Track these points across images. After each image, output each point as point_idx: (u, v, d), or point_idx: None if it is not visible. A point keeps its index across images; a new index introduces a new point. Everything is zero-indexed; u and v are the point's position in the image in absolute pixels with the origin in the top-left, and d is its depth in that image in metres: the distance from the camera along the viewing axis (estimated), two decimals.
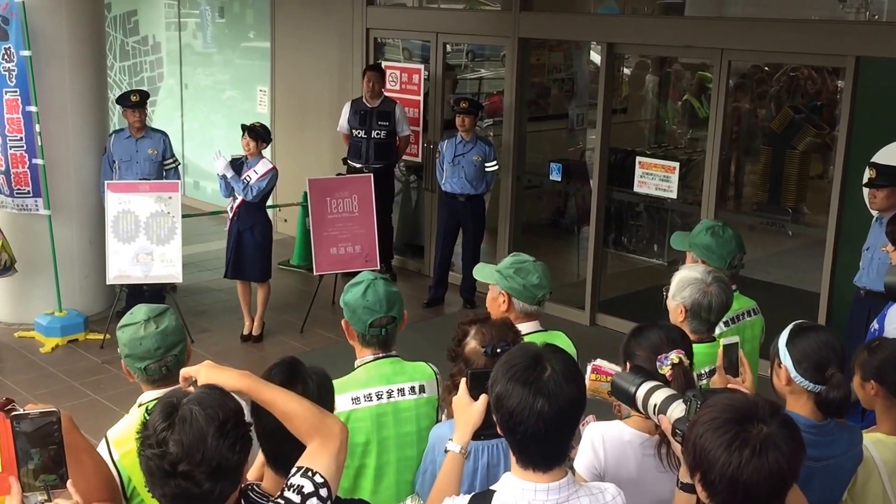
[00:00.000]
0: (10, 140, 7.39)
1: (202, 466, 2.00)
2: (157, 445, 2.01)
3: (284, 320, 8.16)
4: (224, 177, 7.45)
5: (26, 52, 7.20)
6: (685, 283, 3.55)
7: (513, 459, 2.28)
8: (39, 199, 7.52)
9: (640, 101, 10.14)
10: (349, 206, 8.00)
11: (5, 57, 7.24)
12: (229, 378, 2.23)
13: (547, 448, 2.23)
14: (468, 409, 2.56)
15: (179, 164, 8.49)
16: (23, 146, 7.39)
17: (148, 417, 2.08)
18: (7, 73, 7.26)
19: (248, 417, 2.25)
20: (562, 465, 2.27)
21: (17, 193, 7.51)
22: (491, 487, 2.31)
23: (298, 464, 2.23)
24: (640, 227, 9.48)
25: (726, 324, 3.93)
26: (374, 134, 8.87)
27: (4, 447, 1.81)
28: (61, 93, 7.64)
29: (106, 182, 7.66)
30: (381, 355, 3.24)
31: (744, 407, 2.02)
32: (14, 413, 1.83)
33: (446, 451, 2.60)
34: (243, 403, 2.32)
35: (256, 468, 2.54)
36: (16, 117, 7.33)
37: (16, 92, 7.29)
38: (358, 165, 8.89)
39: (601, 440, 2.78)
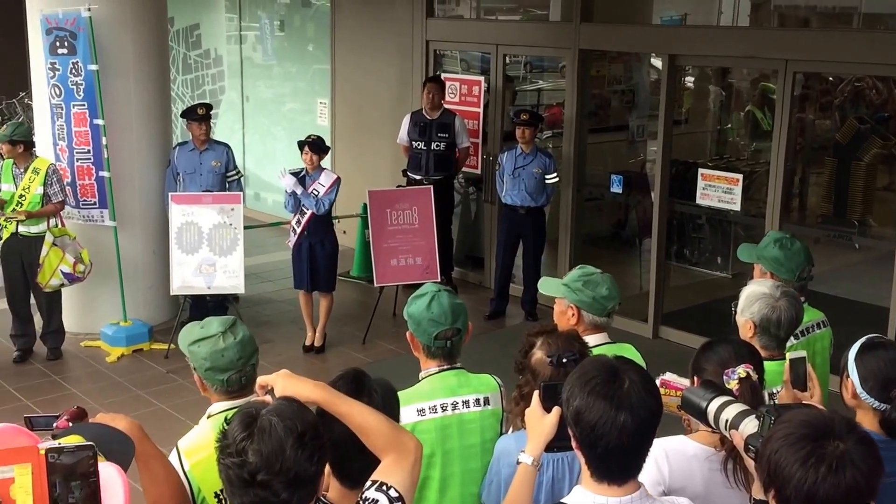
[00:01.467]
0: (77, 153, 7.56)
1: (280, 476, 2.02)
2: (236, 455, 2.03)
3: (345, 331, 8.21)
4: (294, 193, 7.48)
5: (93, 66, 7.35)
6: (754, 298, 3.50)
7: (586, 472, 2.25)
8: (105, 211, 7.66)
9: (701, 113, 10.03)
10: (409, 218, 8.02)
11: (73, 71, 7.40)
12: (305, 388, 2.25)
13: (625, 461, 2.22)
14: (541, 422, 2.53)
15: (242, 175, 8.59)
16: (90, 158, 7.55)
17: (227, 427, 2.10)
18: (75, 86, 7.42)
19: None
20: (636, 477, 2.25)
21: (82, 205, 7.67)
22: (562, 500, 2.29)
23: (373, 477, 2.24)
24: (702, 240, 9.37)
25: (795, 336, 3.85)
26: (433, 146, 8.90)
27: (37, 483, 1.77)
28: (127, 106, 7.79)
29: (170, 194, 7.78)
30: (445, 367, 3.23)
31: (819, 423, 1.98)
32: (49, 447, 1.80)
33: (518, 463, 2.58)
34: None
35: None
36: (83, 130, 7.49)
37: (83, 105, 7.44)
38: (417, 177, 8.92)
39: (664, 456, 2.74)
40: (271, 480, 2.02)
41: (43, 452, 1.77)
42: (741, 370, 2.72)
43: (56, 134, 7.61)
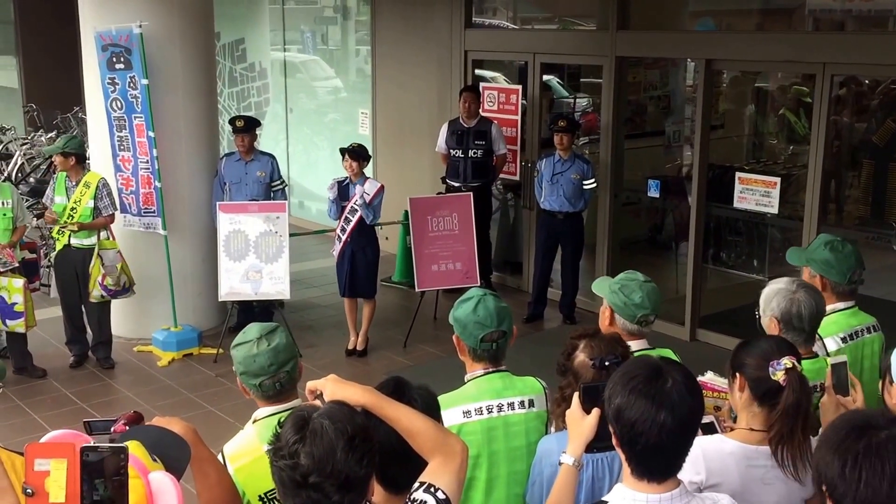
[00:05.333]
0: (140, 162, 7.76)
1: (332, 479, 2.05)
2: (289, 457, 2.06)
3: (388, 335, 8.35)
4: (336, 201, 7.62)
5: (145, 81, 7.54)
6: (771, 296, 3.51)
7: (627, 470, 2.28)
8: (159, 219, 7.86)
9: (737, 117, 10.06)
10: (449, 224, 8.16)
11: (131, 85, 7.59)
12: (354, 393, 2.30)
13: (665, 459, 2.24)
14: (581, 423, 2.56)
15: (287, 185, 8.77)
16: (149, 168, 7.74)
17: (279, 430, 2.13)
18: (134, 99, 7.61)
19: None
20: (676, 475, 2.28)
21: (144, 212, 7.88)
22: (603, 498, 2.33)
23: (421, 479, 2.27)
24: (738, 243, 9.41)
25: (844, 340, 3.86)
26: (471, 153, 9.03)
27: (71, 479, 1.83)
28: (176, 118, 7.97)
29: (217, 203, 7.97)
30: (491, 370, 3.25)
31: (859, 418, 1.98)
32: (84, 445, 1.86)
33: (560, 464, 2.63)
34: None
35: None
36: (143, 141, 7.68)
37: (142, 117, 7.63)
38: (456, 184, 9.06)
39: (701, 454, 2.75)
40: (323, 482, 2.05)
41: (78, 450, 1.84)
42: (787, 361, 2.74)
43: (116, 145, 7.80)
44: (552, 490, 2.66)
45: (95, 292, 7.43)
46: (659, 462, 2.24)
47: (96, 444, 1.87)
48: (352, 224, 7.64)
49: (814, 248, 4.09)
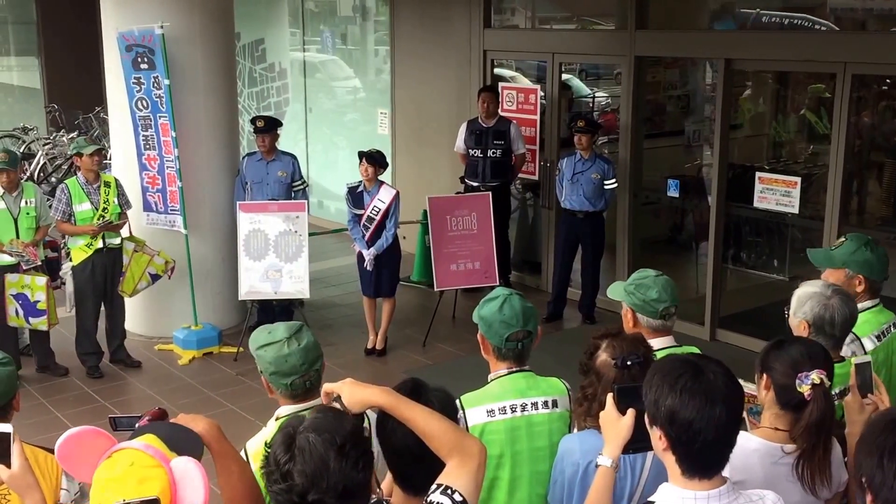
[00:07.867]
0: (166, 161, 7.80)
1: (330, 492, 2.01)
2: (282, 479, 2.03)
3: (406, 335, 8.37)
4: (356, 219, 7.68)
5: (166, 81, 7.58)
6: (805, 299, 3.47)
7: (675, 470, 2.27)
8: (180, 218, 7.88)
9: (757, 116, 10.03)
10: (468, 224, 8.17)
11: (155, 85, 7.63)
12: (371, 395, 2.30)
13: (718, 453, 2.25)
14: (617, 424, 2.57)
15: (308, 185, 8.79)
16: (174, 166, 7.77)
17: (268, 451, 2.10)
18: (158, 99, 7.65)
19: (373, 434, 2.32)
20: (722, 470, 2.28)
21: (170, 210, 7.91)
22: (650, 499, 2.32)
23: (438, 481, 2.27)
24: (759, 243, 9.38)
25: (878, 338, 3.85)
26: (489, 153, 9.04)
27: None
28: (197, 119, 8.02)
29: (238, 202, 8.00)
30: (515, 369, 3.25)
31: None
32: None
33: (597, 466, 2.63)
34: (373, 418, 2.41)
35: (387, 483, 2.56)
36: (168, 140, 7.72)
37: (166, 117, 7.67)
38: (475, 184, 9.07)
39: None
40: (322, 498, 2.01)
41: None
42: (815, 376, 2.71)
43: (142, 144, 7.83)
44: (590, 492, 2.67)
45: (141, 284, 7.53)
46: (713, 457, 2.25)
47: (128, 502, 1.89)
48: (370, 230, 7.66)
49: (852, 250, 4.03)
